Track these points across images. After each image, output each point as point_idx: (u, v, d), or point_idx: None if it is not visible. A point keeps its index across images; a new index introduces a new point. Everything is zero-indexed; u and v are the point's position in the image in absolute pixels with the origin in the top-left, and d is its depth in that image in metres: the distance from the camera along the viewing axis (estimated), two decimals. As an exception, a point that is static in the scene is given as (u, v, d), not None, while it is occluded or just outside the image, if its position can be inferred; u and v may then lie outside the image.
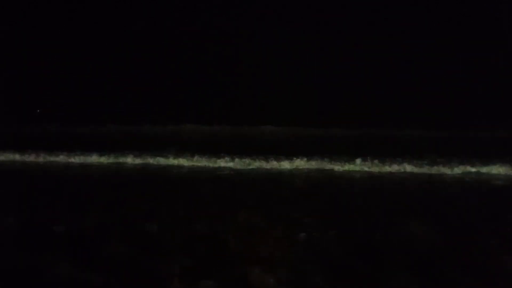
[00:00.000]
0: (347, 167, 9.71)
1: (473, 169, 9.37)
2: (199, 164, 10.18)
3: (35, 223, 5.19)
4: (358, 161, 9.81)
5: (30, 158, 10.88)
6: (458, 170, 9.38)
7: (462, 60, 17.53)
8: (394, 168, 9.58)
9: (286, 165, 9.95)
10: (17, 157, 10.92)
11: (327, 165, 9.82)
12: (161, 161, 10.44)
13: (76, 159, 10.69)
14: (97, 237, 4.59)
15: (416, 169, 9.51)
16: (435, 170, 9.45)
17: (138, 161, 10.53)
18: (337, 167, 9.73)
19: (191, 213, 5.76)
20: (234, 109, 17.74)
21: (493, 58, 17.27)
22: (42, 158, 10.84)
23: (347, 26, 19.25)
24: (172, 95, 19.02)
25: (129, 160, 10.56)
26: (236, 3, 20.13)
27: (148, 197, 7.04)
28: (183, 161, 10.35)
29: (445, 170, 9.40)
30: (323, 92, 18.27)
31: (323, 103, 17.78)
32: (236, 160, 10.14)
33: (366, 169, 9.62)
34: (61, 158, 10.76)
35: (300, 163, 9.95)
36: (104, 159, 10.67)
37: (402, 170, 9.52)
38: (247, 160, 10.10)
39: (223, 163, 10.10)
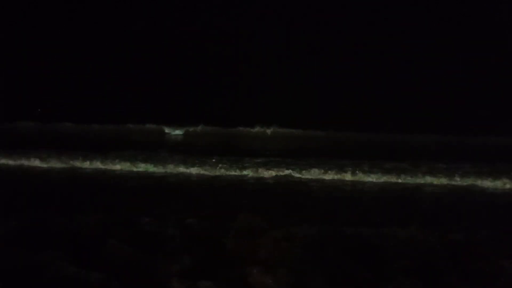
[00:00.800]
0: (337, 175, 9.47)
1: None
2: (195, 167, 10.02)
3: (30, 225, 5.16)
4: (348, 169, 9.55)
5: (21, 160, 10.60)
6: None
7: (462, 61, 17.54)
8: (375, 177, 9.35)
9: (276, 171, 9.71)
10: (5, 160, 10.59)
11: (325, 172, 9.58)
12: (158, 164, 10.20)
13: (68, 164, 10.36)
14: (95, 240, 4.58)
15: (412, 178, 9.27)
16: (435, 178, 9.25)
17: (139, 164, 10.29)
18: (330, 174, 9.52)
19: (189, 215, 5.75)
20: (232, 110, 17.72)
21: (494, 60, 17.26)
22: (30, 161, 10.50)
23: (347, 26, 19.25)
24: (171, 96, 19.02)
25: (128, 163, 10.26)
26: (236, 3, 20.13)
27: (147, 200, 7.04)
28: (179, 163, 10.15)
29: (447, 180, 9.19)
30: (321, 93, 18.27)
31: (322, 105, 17.78)
32: (232, 163, 9.98)
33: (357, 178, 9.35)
34: (50, 162, 10.44)
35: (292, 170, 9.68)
36: (97, 163, 10.37)
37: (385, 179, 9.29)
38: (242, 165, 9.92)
39: (218, 167, 9.86)
